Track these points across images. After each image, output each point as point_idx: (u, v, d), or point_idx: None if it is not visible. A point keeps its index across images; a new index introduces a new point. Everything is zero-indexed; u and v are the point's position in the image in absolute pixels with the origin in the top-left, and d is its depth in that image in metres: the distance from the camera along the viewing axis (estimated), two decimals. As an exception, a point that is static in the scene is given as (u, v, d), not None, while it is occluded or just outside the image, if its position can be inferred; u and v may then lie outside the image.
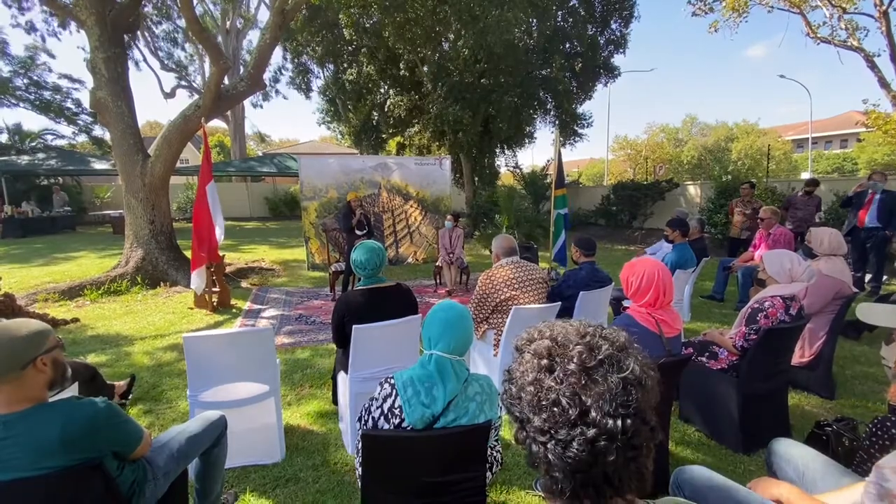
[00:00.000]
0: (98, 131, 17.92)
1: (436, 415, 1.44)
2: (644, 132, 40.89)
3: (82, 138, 20.54)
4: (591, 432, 0.64)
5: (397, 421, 1.45)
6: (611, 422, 0.65)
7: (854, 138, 30.98)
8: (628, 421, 0.65)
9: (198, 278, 5.35)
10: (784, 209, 6.99)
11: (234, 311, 5.62)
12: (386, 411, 1.48)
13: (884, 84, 10.13)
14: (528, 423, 0.70)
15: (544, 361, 0.71)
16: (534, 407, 0.69)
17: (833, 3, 10.50)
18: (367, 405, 1.56)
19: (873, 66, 10.15)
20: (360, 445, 1.62)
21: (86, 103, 17.29)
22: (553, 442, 0.66)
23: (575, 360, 0.69)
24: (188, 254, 7.10)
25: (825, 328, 3.27)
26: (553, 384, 0.68)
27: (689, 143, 36.68)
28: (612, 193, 13.88)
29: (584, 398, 0.66)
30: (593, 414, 0.65)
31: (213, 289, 5.60)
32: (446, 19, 11.27)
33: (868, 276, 6.13)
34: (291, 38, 14.65)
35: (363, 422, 1.56)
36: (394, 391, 1.49)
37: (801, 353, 3.29)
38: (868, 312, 1.13)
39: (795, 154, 33.49)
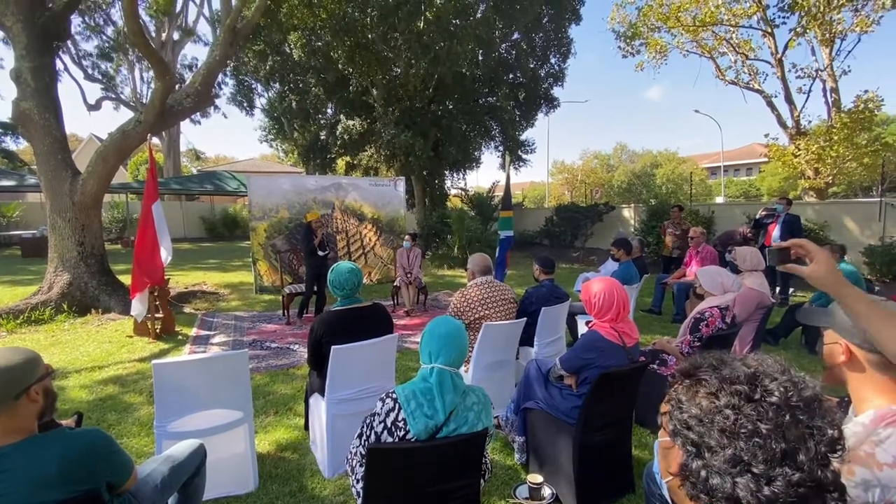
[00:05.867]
0: (7, 143, 16.15)
1: (438, 425, 1.52)
2: (580, 158, 43.73)
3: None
4: (797, 476, 0.59)
5: (401, 433, 1.51)
6: (820, 471, 0.60)
7: (757, 167, 35.10)
8: (834, 475, 0.60)
9: (139, 304, 5.01)
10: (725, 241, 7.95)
11: (180, 337, 5.28)
12: (389, 425, 1.53)
13: (781, 122, 11.68)
14: (711, 451, 0.64)
15: (742, 387, 0.65)
16: (728, 434, 0.63)
17: (737, 50, 12.05)
18: (367, 421, 1.60)
19: (772, 106, 11.70)
20: (353, 463, 1.65)
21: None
22: (748, 476, 0.60)
23: (776, 393, 0.64)
24: (123, 279, 6.60)
25: (751, 334, 3.72)
26: (752, 413, 0.63)
27: (619, 168, 39.59)
28: (556, 215, 14.64)
29: (788, 436, 0.61)
30: (802, 457, 0.60)
31: (156, 315, 5.24)
32: (397, 46, 11.57)
33: (777, 290, 6.97)
34: (235, 56, 14.27)
35: (364, 437, 1.59)
36: (396, 405, 1.54)
37: (734, 358, 3.70)
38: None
39: (710, 180, 37.21)
